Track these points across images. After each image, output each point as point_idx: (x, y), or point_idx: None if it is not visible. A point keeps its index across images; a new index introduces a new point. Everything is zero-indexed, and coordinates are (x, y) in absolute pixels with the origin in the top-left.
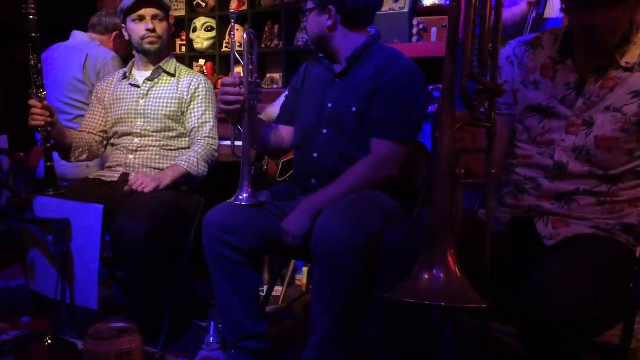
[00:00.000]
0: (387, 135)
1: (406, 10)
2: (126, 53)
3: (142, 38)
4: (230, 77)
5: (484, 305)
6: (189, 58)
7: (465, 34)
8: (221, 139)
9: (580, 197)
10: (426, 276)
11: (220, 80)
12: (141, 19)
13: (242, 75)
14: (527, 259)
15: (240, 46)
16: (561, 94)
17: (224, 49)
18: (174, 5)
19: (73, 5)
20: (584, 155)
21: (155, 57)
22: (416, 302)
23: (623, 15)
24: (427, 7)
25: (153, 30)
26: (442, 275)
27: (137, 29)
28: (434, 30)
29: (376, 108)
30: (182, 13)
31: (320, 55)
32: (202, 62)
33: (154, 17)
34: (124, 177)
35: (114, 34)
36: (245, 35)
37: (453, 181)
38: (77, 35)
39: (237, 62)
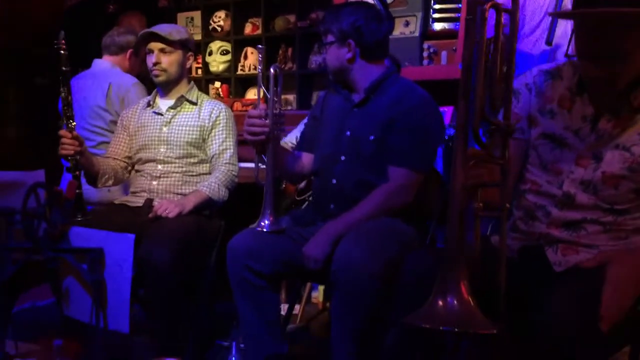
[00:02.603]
0: (403, 163)
1: (417, 34)
2: (141, 70)
3: (150, 71)
4: (256, 109)
5: (494, 331)
6: (205, 81)
7: (477, 78)
8: (242, 160)
9: (588, 225)
10: (441, 303)
11: (237, 103)
12: (150, 52)
13: (267, 107)
14: (537, 285)
15: (254, 69)
16: (577, 125)
17: (239, 72)
18: (191, 30)
19: (94, 32)
20: (591, 188)
21: (170, 87)
22: (432, 327)
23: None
24: (437, 32)
25: (156, 63)
26: (455, 302)
27: (148, 62)
28: (444, 53)
29: (393, 137)
30: (199, 37)
31: (338, 85)
32: (217, 84)
33: (161, 50)
34: (148, 202)
35: (129, 52)
36: (272, 70)
37: (466, 216)
38: (99, 63)
39: (251, 86)
